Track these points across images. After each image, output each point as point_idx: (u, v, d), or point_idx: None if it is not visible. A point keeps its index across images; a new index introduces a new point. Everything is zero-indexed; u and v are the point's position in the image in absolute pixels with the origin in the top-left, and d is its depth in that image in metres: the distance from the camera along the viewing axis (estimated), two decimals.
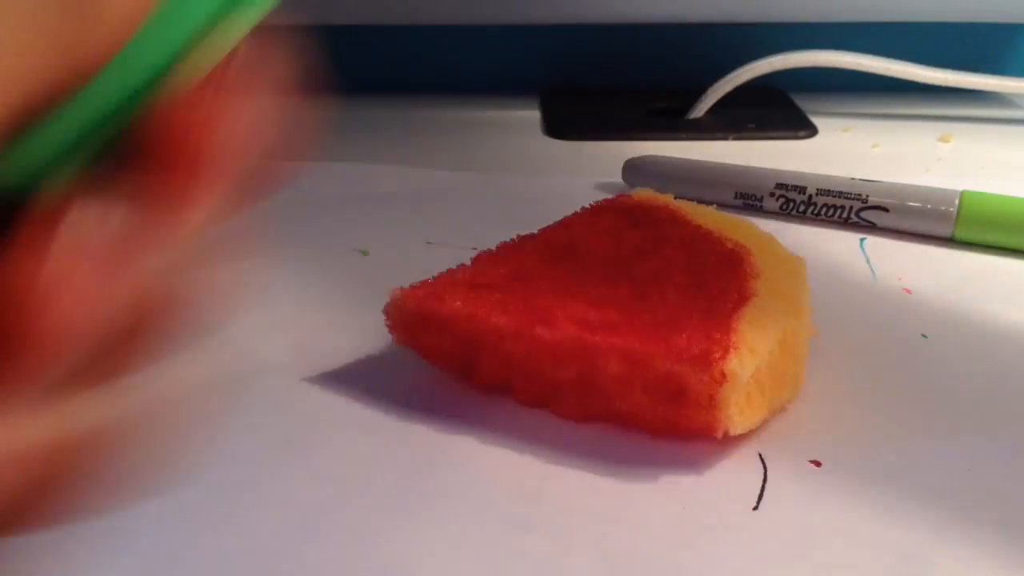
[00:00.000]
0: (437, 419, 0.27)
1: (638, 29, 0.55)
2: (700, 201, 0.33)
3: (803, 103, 0.54)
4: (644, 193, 0.33)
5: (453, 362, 0.28)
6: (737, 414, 0.24)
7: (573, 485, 0.25)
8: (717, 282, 0.27)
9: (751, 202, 0.41)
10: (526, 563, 0.22)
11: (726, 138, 0.50)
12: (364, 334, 0.30)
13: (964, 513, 0.24)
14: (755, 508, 0.24)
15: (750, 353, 0.24)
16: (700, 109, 0.52)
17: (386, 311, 0.28)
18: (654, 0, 0.50)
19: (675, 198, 0.33)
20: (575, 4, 0.50)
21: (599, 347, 0.25)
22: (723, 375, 0.24)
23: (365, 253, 0.37)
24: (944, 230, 0.37)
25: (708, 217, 0.31)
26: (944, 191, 0.38)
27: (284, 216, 0.28)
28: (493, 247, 0.30)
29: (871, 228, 0.39)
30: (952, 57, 0.50)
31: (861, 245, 0.38)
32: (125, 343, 0.13)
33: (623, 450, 0.26)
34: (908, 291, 0.34)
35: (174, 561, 0.22)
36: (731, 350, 0.24)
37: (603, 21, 0.52)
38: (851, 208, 0.39)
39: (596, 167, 0.45)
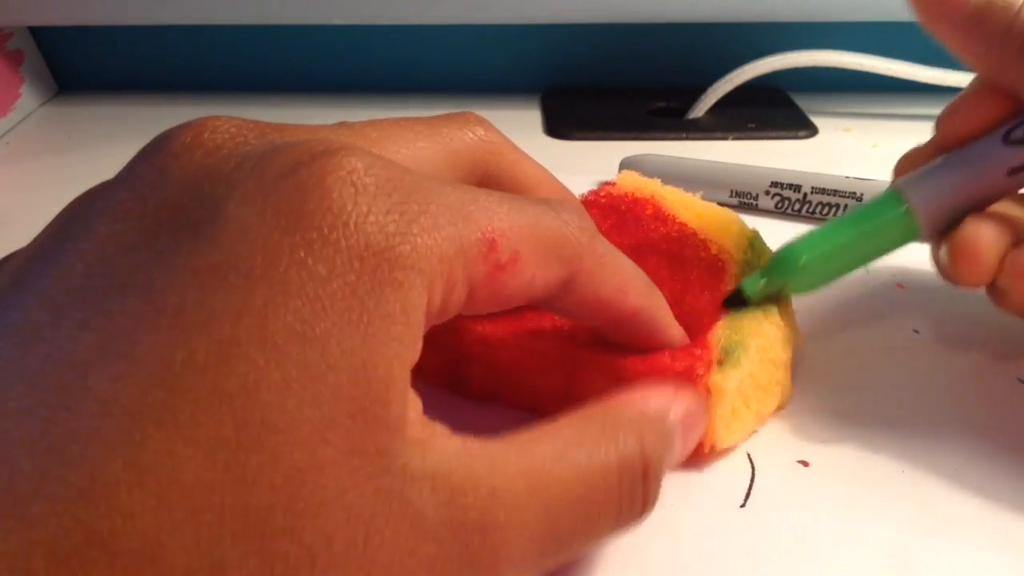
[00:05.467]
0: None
1: (638, 29, 0.55)
2: None
3: (803, 103, 0.54)
4: (628, 179, 0.33)
5: (441, 373, 0.28)
6: (723, 428, 0.24)
7: None
8: (700, 294, 0.27)
9: (747, 200, 0.41)
10: None
11: (726, 138, 0.50)
12: None
13: (954, 512, 0.24)
14: (742, 506, 0.24)
15: (733, 367, 0.24)
16: (700, 109, 0.52)
17: None
18: (654, 0, 0.50)
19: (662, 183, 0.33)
20: (575, 4, 0.50)
21: (584, 361, 0.25)
22: (707, 390, 0.24)
23: None
24: None
25: (692, 209, 0.31)
26: None
27: None
28: None
29: None
30: (952, 57, 0.50)
31: None
32: None
33: None
34: (902, 287, 0.34)
35: None
36: (713, 364, 0.24)
37: (603, 21, 0.52)
38: (846, 207, 0.39)
39: (596, 167, 0.45)
